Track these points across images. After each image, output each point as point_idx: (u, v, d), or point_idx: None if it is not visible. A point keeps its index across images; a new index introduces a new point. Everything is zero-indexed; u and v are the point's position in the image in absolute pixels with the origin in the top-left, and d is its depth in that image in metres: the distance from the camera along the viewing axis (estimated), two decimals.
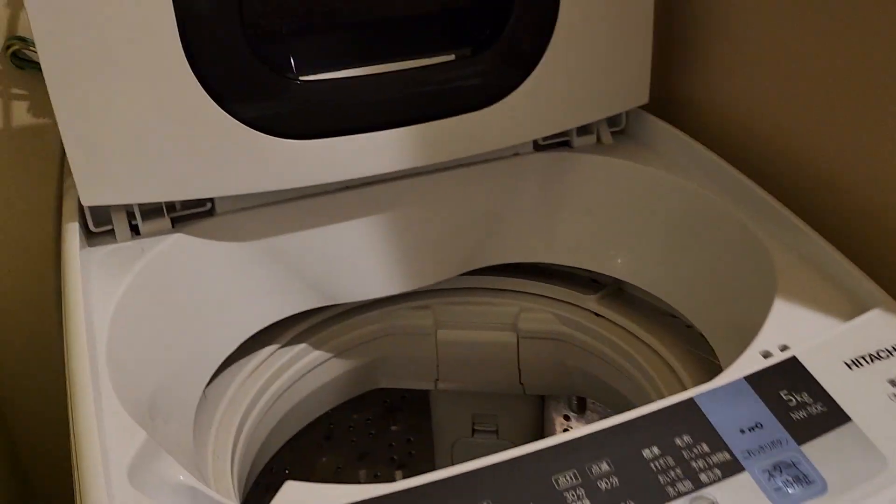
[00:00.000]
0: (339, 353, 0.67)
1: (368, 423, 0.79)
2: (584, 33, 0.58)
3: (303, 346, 0.64)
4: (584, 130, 0.65)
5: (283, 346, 0.63)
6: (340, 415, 0.75)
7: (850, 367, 0.41)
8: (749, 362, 0.42)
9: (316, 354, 0.65)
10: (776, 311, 0.46)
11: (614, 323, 0.64)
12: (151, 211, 0.54)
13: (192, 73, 0.48)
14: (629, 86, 0.62)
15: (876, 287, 0.46)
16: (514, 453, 0.35)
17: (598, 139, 0.65)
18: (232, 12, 0.48)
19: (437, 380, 0.73)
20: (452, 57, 0.58)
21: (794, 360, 0.41)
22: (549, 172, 0.63)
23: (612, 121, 0.66)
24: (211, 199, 0.55)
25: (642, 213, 0.61)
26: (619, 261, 0.62)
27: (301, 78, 0.53)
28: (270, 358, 0.62)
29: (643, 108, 0.65)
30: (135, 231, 0.53)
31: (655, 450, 0.36)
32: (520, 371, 0.70)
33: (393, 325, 0.68)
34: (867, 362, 0.41)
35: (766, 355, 0.43)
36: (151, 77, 0.47)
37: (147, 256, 0.50)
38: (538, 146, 0.64)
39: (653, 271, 0.60)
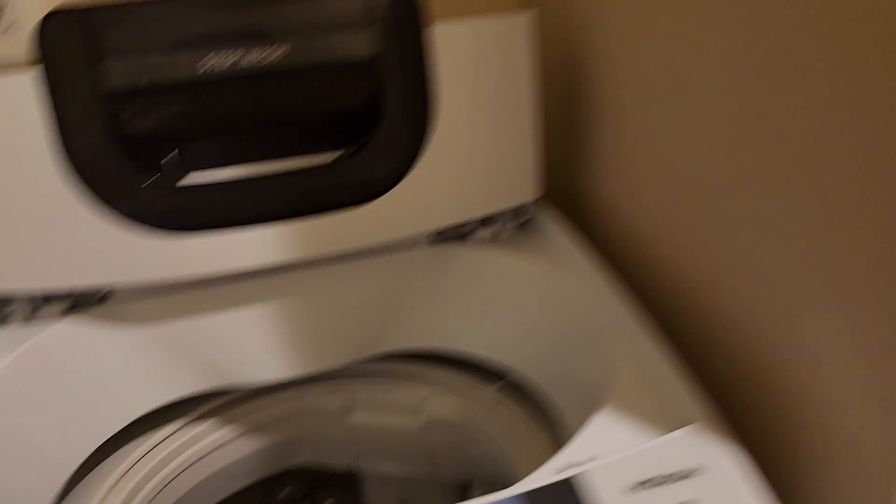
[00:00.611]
0: (251, 430, 0.69)
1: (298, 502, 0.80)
2: (463, 135, 0.59)
3: (210, 423, 0.67)
4: (487, 222, 0.66)
5: (188, 423, 0.66)
6: (266, 491, 0.77)
7: (639, 489, 0.40)
8: (538, 477, 0.42)
9: (224, 432, 0.68)
10: (598, 419, 0.46)
11: (510, 415, 0.64)
12: (48, 298, 0.58)
13: (62, 172, 0.52)
14: (517, 183, 0.63)
15: (697, 400, 0.45)
16: None
17: (502, 230, 0.66)
18: (97, 118, 0.52)
19: (358, 459, 0.74)
20: (334, 156, 0.61)
21: (570, 480, 0.40)
22: (438, 266, 0.64)
23: (519, 211, 0.66)
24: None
25: (515, 306, 0.62)
26: (494, 349, 0.63)
27: (177, 184, 0.56)
28: (175, 435, 0.66)
29: (558, 198, 0.66)
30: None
31: None
32: (432, 456, 0.71)
33: (303, 406, 0.70)
34: (657, 485, 0.40)
35: (563, 469, 0.42)
36: (24, 177, 0.52)
37: (25, 345, 0.54)
38: (433, 239, 0.66)
39: (524, 361, 0.61)
